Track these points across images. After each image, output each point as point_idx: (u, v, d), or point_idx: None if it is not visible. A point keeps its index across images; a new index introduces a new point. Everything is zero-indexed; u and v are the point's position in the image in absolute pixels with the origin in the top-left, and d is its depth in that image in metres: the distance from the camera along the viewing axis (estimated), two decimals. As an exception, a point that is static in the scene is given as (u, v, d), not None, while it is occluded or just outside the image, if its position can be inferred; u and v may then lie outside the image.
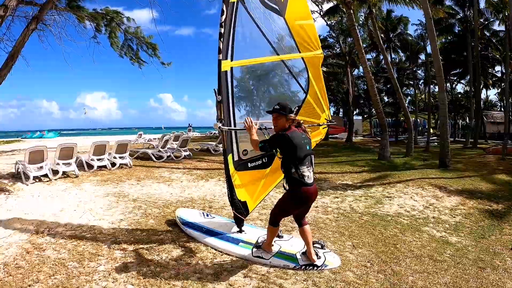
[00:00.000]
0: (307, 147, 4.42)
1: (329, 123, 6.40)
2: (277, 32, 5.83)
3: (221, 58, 5.03)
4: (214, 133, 42.10)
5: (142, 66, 18.34)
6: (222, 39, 5.00)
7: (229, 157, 5.26)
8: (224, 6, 5.02)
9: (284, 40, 5.95)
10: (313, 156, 4.49)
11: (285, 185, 4.54)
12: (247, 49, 5.61)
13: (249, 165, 5.50)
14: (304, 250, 4.80)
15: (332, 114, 6.38)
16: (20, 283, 4.13)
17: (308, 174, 4.36)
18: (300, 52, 6.01)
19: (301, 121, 4.68)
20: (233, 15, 5.16)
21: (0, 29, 9.87)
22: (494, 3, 27.14)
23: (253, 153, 5.50)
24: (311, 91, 6.14)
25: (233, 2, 5.14)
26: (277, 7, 5.74)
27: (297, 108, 5.83)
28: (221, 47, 5.01)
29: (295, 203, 4.51)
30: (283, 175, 4.58)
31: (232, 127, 5.28)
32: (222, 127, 5.04)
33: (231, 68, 5.22)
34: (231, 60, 5.19)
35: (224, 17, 5.01)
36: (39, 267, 4.58)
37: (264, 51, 5.75)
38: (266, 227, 5.02)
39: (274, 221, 4.77)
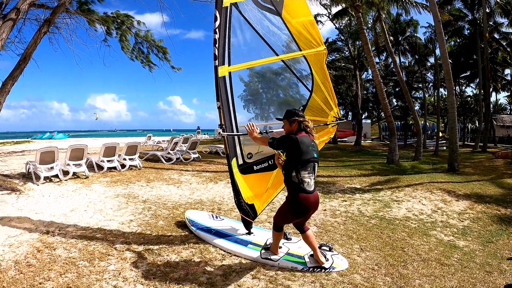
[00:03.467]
0: (314, 154, 4.32)
1: (338, 121, 6.16)
2: (274, 32, 5.72)
3: (217, 64, 5.00)
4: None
5: (152, 70, 18.45)
6: (217, 45, 4.96)
7: (233, 161, 5.30)
8: (217, 12, 4.99)
9: (281, 37, 5.81)
10: (317, 164, 4.41)
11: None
12: (245, 52, 5.58)
13: (255, 168, 5.51)
14: (312, 253, 4.83)
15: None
16: (31, 281, 4.20)
17: (309, 181, 4.29)
18: (301, 50, 5.85)
19: (309, 124, 4.50)
20: (228, 20, 5.14)
21: (12, 31, 9.95)
22: (503, 5, 26.95)
23: (258, 156, 5.52)
24: (316, 89, 5.99)
25: (226, 7, 5.11)
26: (272, 7, 5.62)
27: (301, 108, 5.80)
28: (216, 53, 4.97)
29: (293, 212, 4.44)
30: None
31: (232, 133, 5.27)
32: (222, 133, 5.06)
33: (229, 73, 5.20)
34: (229, 65, 5.17)
35: (217, 23, 4.98)
36: (50, 265, 4.65)
37: (263, 52, 5.66)
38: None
39: (276, 227, 4.78)
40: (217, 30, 4.96)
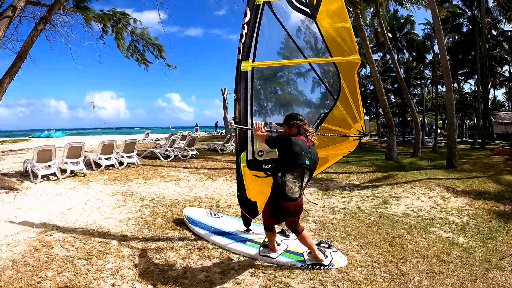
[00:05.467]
0: (306, 161, 4.19)
1: (361, 135, 5.69)
2: (305, 34, 5.66)
3: (240, 58, 5.11)
4: (221, 132, 42.23)
5: (148, 67, 18.39)
6: (242, 40, 5.09)
7: (243, 155, 5.33)
8: (248, 8, 5.11)
9: (311, 40, 5.72)
10: (308, 172, 4.29)
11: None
12: (272, 50, 5.61)
13: (264, 166, 5.47)
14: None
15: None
16: (28, 280, 4.18)
17: (292, 186, 4.21)
18: (331, 56, 5.55)
19: (308, 128, 4.46)
20: (259, 17, 5.20)
21: (8, 29, 9.90)
22: (502, 2, 26.94)
23: (269, 156, 5.48)
24: (341, 99, 5.65)
25: (259, 4, 5.18)
26: (307, 9, 5.45)
27: (323, 115, 5.67)
28: (241, 48, 5.11)
29: (272, 215, 4.47)
30: None
31: (242, 126, 5.29)
32: (234, 124, 5.17)
33: (252, 68, 5.26)
34: (253, 61, 5.23)
35: (247, 18, 5.10)
36: (48, 264, 4.63)
37: (292, 53, 5.70)
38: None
39: (266, 228, 4.78)
40: (245, 25, 5.10)
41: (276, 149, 4.59)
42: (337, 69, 5.60)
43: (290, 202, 4.26)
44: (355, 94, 5.62)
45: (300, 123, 4.42)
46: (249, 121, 5.36)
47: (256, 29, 5.20)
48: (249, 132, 5.37)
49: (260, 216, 6.00)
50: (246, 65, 5.18)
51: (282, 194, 4.23)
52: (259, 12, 5.21)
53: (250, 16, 5.13)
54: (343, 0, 5.55)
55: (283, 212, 4.33)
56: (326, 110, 5.73)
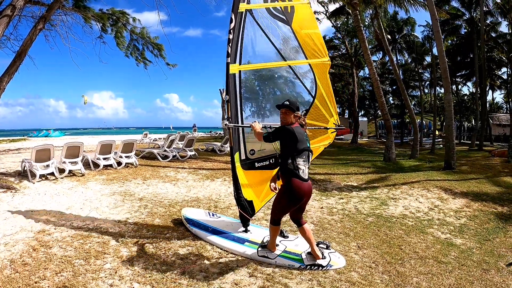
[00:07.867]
0: (307, 143, 4.59)
1: (337, 128, 6.38)
2: (283, 39, 6.09)
3: (229, 61, 5.33)
4: (220, 133, 42.25)
5: (147, 66, 18.36)
6: (230, 44, 5.33)
7: (236, 155, 5.43)
8: (233, 15, 5.38)
9: (289, 45, 6.18)
10: (310, 153, 4.68)
11: (279, 175, 4.72)
12: (256, 54, 5.90)
13: (256, 164, 5.61)
14: (309, 250, 4.83)
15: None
16: (27, 280, 4.16)
17: (303, 168, 4.46)
18: (307, 59, 6.18)
19: (305, 122, 4.86)
20: (242, 23, 5.49)
21: (7, 28, 9.88)
22: (501, 5, 27.00)
23: (261, 153, 5.65)
24: (318, 96, 6.25)
25: (242, 12, 5.47)
26: (284, 17, 6.00)
27: (304, 111, 5.95)
28: (229, 51, 5.33)
29: (289, 199, 4.51)
30: None
31: (237, 124, 5.47)
32: (228, 124, 5.29)
33: (239, 71, 5.49)
34: (240, 64, 5.46)
35: (232, 24, 5.36)
36: (46, 264, 4.61)
37: (273, 56, 6.01)
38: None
39: (274, 220, 4.80)
40: (231, 31, 5.36)
41: (278, 142, 4.72)
42: (312, 70, 6.26)
43: (304, 183, 4.43)
44: (328, 91, 6.33)
45: (301, 114, 4.80)
46: (239, 121, 5.56)
47: (240, 34, 5.49)
48: (240, 132, 5.53)
49: (257, 215, 6.04)
50: (234, 68, 5.42)
51: (296, 175, 4.41)
52: (243, 18, 5.52)
53: (235, 22, 5.40)
54: (311, 8, 6.45)
55: (298, 194, 4.43)
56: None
